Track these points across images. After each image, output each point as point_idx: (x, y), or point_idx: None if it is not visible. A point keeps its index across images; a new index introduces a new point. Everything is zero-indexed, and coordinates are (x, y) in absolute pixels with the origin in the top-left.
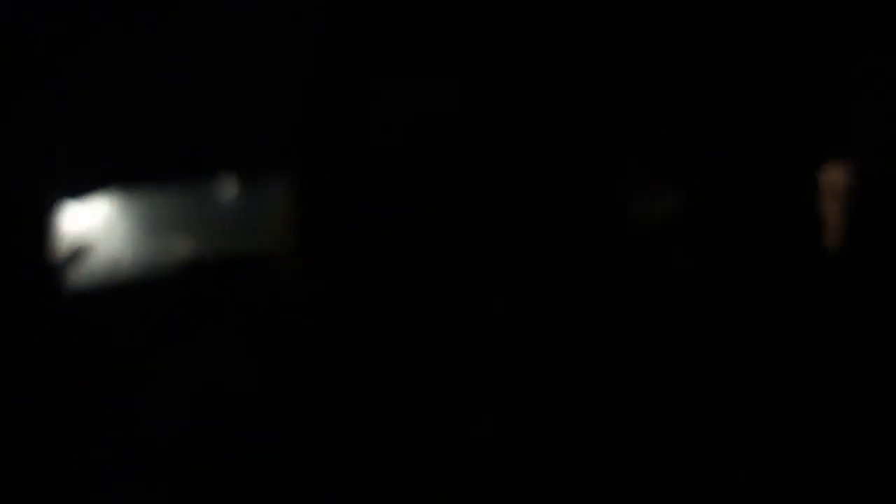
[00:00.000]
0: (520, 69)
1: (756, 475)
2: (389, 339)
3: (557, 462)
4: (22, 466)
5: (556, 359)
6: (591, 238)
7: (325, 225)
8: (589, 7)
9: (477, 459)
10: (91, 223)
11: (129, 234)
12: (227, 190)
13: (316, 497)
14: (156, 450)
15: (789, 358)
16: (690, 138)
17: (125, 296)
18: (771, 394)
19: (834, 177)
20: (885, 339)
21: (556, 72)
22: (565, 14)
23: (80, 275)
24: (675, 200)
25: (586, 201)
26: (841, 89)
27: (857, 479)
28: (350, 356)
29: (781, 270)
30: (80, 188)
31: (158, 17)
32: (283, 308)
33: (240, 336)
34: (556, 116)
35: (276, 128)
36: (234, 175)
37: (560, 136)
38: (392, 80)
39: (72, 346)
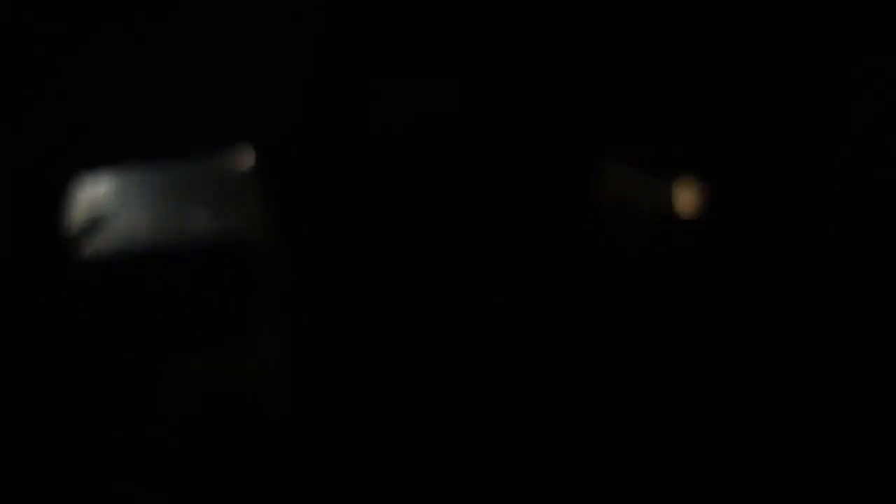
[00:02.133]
0: (518, 67)
1: (755, 476)
2: (379, 335)
3: (552, 463)
4: (30, 440)
5: (549, 359)
6: (589, 237)
7: (317, 220)
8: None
9: (471, 459)
10: (107, 195)
11: (145, 206)
12: (244, 163)
13: (317, 495)
14: (162, 438)
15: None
16: (696, 137)
17: (140, 269)
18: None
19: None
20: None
21: (554, 68)
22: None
23: (95, 247)
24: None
25: (586, 200)
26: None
27: (856, 479)
28: (341, 348)
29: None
30: (96, 160)
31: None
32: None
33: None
34: (554, 114)
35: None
36: (251, 148)
37: (559, 134)
38: (392, 79)
39: (85, 318)
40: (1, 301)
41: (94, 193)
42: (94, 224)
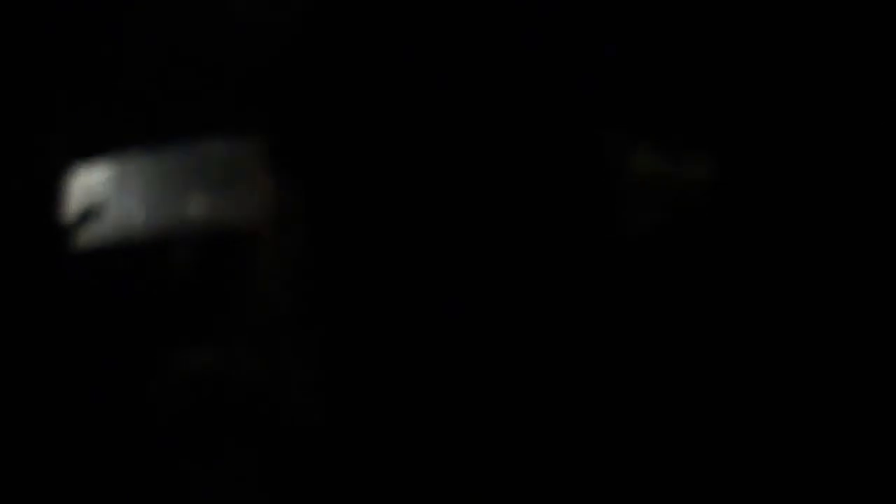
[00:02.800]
0: (532, 51)
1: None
2: (385, 327)
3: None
4: (27, 433)
5: (548, 360)
6: (590, 236)
7: (321, 206)
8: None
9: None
10: (103, 181)
11: (142, 193)
12: (245, 148)
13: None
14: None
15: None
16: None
17: (137, 257)
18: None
19: None
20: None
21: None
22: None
23: (91, 235)
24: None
25: (584, 198)
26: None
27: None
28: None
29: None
30: (93, 147)
31: None
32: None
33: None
34: (551, 105)
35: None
36: (252, 133)
37: (557, 127)
38: (382, 74)
39: (81, 309)
40: None
41: (91, 180)
42: (91, 211)
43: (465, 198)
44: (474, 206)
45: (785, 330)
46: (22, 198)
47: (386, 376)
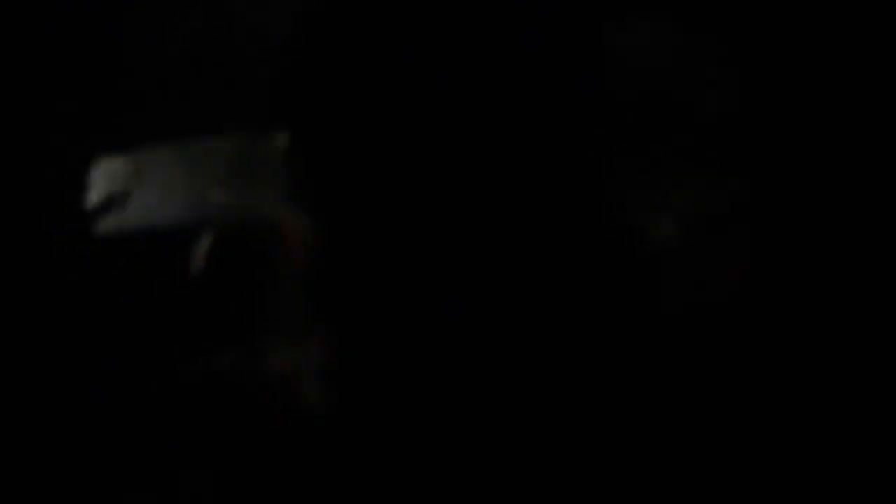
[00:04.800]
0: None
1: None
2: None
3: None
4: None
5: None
6: (587, 248)
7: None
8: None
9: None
10: (126, 172)
11: (163, 184)
12: (268, 142)
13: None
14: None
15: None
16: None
17: (158, 248)
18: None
19: None
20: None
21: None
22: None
23: (112, 224)
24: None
25: (581, 208)
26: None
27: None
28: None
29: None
30: (117, 137)
31: None
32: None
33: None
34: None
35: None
36: (276, 127)
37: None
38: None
39: (103, 297)
40: (19, 280)
41: (114, 170)
42: (113, 201)
43: (475, 193)
44: (483, 201)
45: (820, 352)
46: (46, 187)
47: (402, 374)
